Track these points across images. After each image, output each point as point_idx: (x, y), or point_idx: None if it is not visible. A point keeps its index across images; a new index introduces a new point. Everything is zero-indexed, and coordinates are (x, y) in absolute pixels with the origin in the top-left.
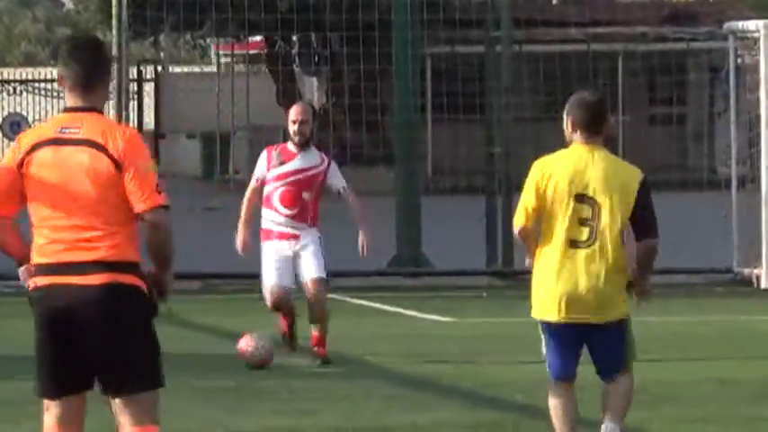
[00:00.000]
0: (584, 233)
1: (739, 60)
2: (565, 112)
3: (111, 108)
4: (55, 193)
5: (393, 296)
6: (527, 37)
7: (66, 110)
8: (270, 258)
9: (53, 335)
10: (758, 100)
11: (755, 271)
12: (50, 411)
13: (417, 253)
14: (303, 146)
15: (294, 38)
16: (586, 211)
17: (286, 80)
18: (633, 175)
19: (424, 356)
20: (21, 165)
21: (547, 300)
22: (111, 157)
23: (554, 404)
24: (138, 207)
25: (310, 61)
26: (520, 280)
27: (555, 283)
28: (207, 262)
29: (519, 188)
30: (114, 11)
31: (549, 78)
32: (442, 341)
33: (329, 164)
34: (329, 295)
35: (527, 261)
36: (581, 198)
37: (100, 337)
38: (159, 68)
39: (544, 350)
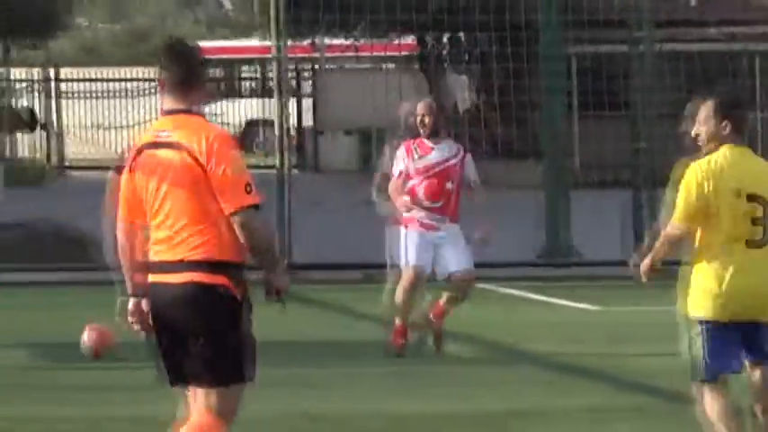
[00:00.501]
0: (759, 232)
1: None
2: (716, 111)
3: (273, 106)
4: (152, 194)
5: (543, 286)
6: (667, 36)
7: (164, 112)
8: (412, 240)
9: (157, 328)
10: None
11: None
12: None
13: (566, 244)
14: (435, 138)
15: (445, 38)
16: (759, 211)
17: (436, 78)
18: None
19: (576, 343)
20: (131, 169)
21: (713, 299)
22: (196, 159)
23: (717, 407)
24: (227, 208)
25: (461, 60)
26: (664, 270)
27: (726, 282)
28: (367, 253)
29: (663, 182)
30: (272, 12)
31: (690, 77)
32: (592, 329)
33: (465, 155)
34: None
35: (648, 261)
36: (752, 198)
37: (180, 333)
38: (317, 67)
39: (693, 348)
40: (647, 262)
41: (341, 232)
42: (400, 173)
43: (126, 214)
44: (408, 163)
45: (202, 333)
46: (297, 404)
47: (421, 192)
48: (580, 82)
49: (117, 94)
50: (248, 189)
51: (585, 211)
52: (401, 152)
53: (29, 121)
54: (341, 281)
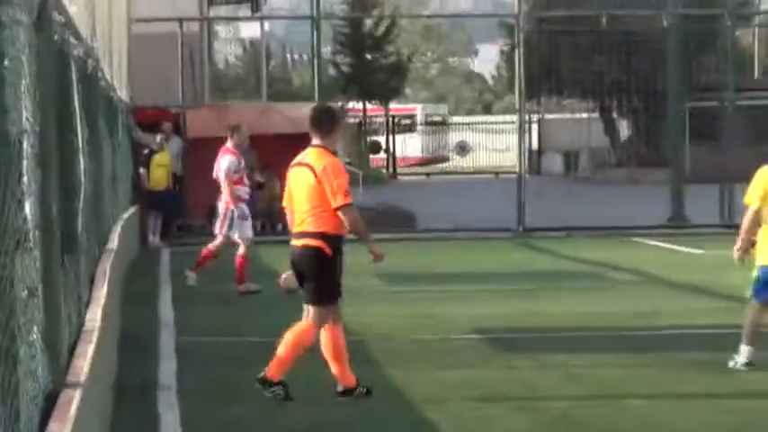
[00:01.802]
0: None
1: None
2: None
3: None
4: (295, 192)
5: (671, 239)
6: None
7: (311, 146)
8: None
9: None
10: None
11: None
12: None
13: (681, 214)
14: None
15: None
16: None
17: (611, 122)
18: None
19: (690, 271)
20: (288, 177)
21: None
22: (315, 175)
23: (751, 317)
24: (333, 205)
25: (623, 111)
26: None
27: None
28: None
29: (740, 180)
30: (516, 83)
31: (760, 122)
32: (697, 262)
33: None
34: None
35: (737, 246)
36: None
37: (300, 274)
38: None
39: (755, 281)
40: (737, 247)
41: None
42: None
43: (287, 203)
44: None
45: (307, 274)
46: None
47: None
48: (690, 123)
49: None
50: (346, 193)
51: (694, 196)
52: None
53: (377, 148)
54: None
